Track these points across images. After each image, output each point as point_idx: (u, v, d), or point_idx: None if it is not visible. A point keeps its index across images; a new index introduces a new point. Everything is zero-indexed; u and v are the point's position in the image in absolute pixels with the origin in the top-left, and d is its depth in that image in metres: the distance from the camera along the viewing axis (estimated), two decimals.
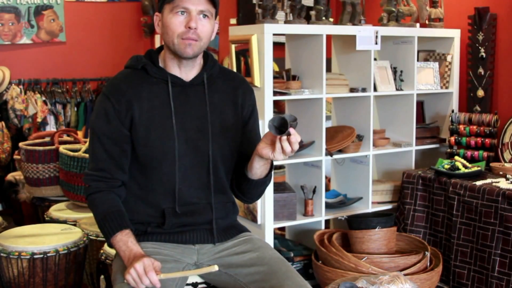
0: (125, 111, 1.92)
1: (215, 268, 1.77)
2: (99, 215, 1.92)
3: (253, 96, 2.10)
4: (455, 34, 3.86)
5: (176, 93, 1.96)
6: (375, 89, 3.54)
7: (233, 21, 5.61)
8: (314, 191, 3.35)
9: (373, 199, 3.60)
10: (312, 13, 3.35)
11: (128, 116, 1.92)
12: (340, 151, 3.45)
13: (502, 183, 3.08)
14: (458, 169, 3.33)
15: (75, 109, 5.27)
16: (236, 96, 2.04)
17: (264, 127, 3.11)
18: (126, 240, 1.86)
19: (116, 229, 1.88)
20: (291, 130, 1.74)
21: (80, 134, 4.43)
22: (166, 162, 1.93)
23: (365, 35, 3.40)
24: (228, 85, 2.05)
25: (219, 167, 1.99)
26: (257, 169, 1.93)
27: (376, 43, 3.45)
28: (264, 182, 1.99)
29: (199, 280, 2.02)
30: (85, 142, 3.78)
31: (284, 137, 1.75)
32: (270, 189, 3.17)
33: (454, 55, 3.85)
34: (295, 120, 1.76)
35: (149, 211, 1.98)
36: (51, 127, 5.03)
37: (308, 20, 3.34)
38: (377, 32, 3.45)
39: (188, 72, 1.98)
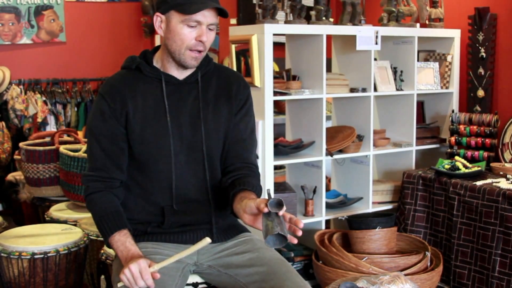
0: (120, 109, 1.93)
1: (208, 240, 1.76)
2: (97, 215, 1.93)
3: (247, 90, 2.08)
4: (455, 34, 3.85)
5: (170, 91, 1.97)
6: (375, 89, 3.54)
7: (233, 21, 5.61)
8: (314, 191, 3.35)
9: (373, 199, 3.60)
10: (312, 13, 3.34)
11: (123, 114, 1.94)
12: (341, 151, 3.45)
13: (503, 183, 3.08)
14: (459, 169, 3.33)
15: (75, 109, 5.26)
16: (230, 91, 2.04)
17: (264, 127, 3.10)
18: (124, 241, 1.86)
19: (114, 229, 1.88)
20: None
21: (80, 134, 4.42)
22: (162, 159, 1.94)
23: (365, 35, 3.40)
24: (223, 81, 2.06)
25: (215, 163, 2.00)
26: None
27: (376, 43, 3.45)
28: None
29: (199, 280, 2.03)
30: (85, 142, 3.77)
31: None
32: (270, 189, 3.16)
33: (454, 55, 3.85)
34: (281, 205, 1.70)
35: (149, 209, 1.99)
36: (51, 127, 5.02)
37: (308, 20, 3.34)
38: (377, 32, 3.44)
39: (183, 71, 2.00)
